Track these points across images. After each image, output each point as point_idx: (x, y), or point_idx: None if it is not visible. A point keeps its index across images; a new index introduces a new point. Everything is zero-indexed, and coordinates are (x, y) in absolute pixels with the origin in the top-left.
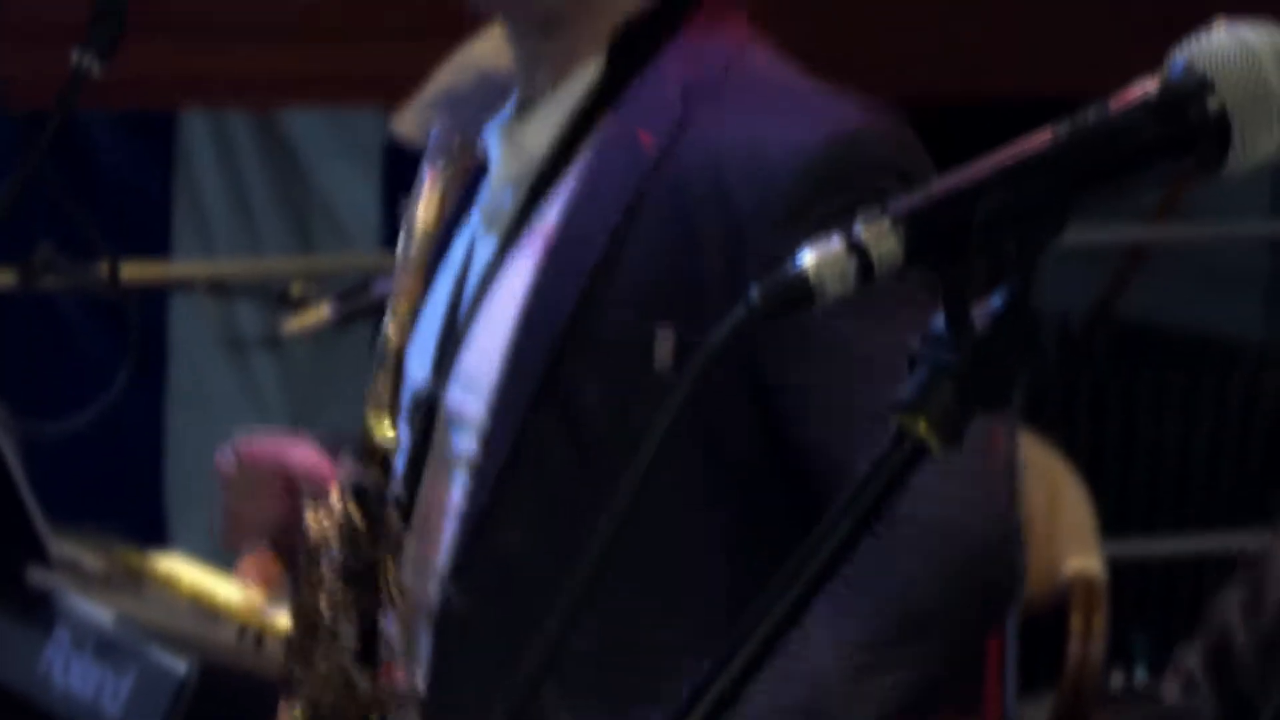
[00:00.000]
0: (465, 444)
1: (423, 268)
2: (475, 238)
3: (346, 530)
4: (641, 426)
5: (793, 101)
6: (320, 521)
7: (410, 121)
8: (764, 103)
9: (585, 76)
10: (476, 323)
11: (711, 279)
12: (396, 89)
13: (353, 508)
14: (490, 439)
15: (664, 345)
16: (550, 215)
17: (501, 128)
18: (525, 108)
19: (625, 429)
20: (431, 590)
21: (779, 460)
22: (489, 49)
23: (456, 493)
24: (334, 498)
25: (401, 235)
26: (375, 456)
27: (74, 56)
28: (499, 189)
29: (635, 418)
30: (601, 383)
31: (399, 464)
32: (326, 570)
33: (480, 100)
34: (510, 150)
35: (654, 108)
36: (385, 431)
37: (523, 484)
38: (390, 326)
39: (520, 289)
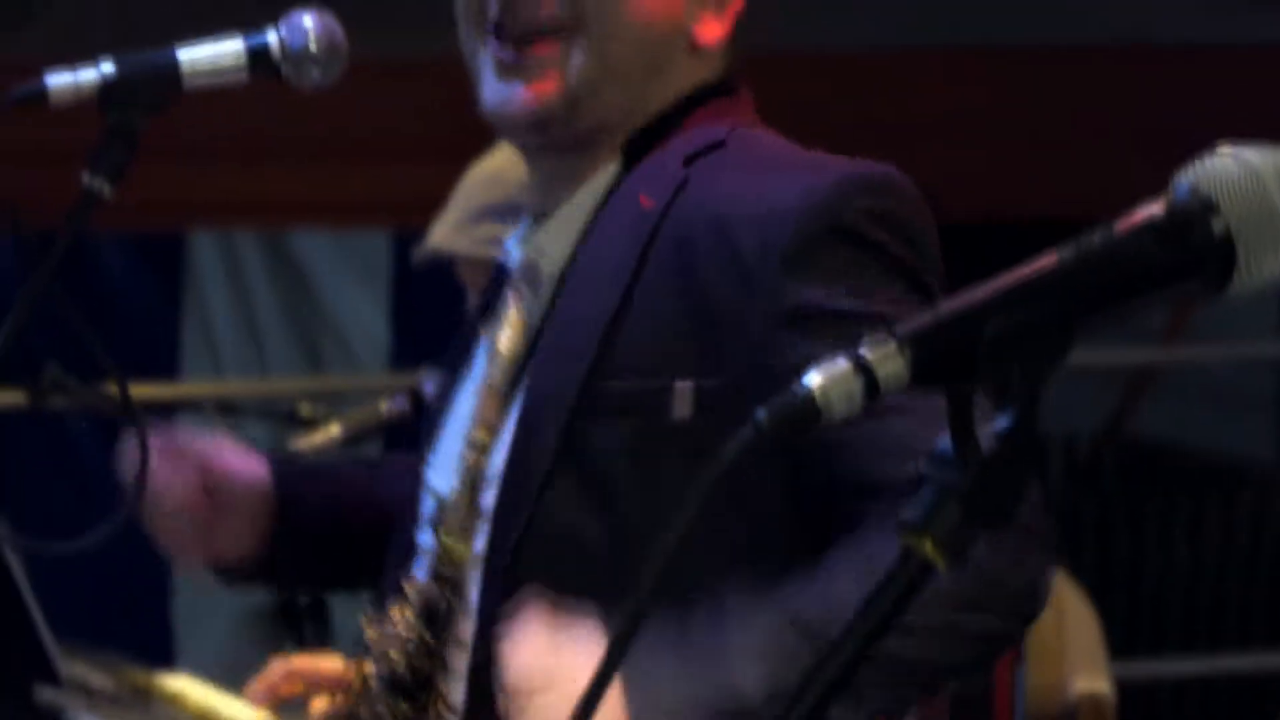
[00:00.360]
0: (482, 544)
1: (505, 393)
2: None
3: (411, 645)
4: (663, 478)
5: (797, 160)
6: (383, 632)
7: (449, 237)
8: (766, 163)
9: (602, 180)
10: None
11: (723, 323)
12: (404, 211)
13: (421, 626)
14: (506, 499)
15: (682, 397)
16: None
17: (521, 238)
18: (543, 215)
19: (647, 482)
20: (457, 690)
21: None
22: (513, 161)
23: (474, 593)
24: (401, 612)
25: (483, 358)
26: (447, 578)
27: (84, 178)
28: (525, 293)
29: (657, 469)
30: (621, 439)
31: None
32: (375, 681)
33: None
34: (534, 254)
35: (656, 176)
36: (464, 554)
37: (543, 545)
38: (469, 453)
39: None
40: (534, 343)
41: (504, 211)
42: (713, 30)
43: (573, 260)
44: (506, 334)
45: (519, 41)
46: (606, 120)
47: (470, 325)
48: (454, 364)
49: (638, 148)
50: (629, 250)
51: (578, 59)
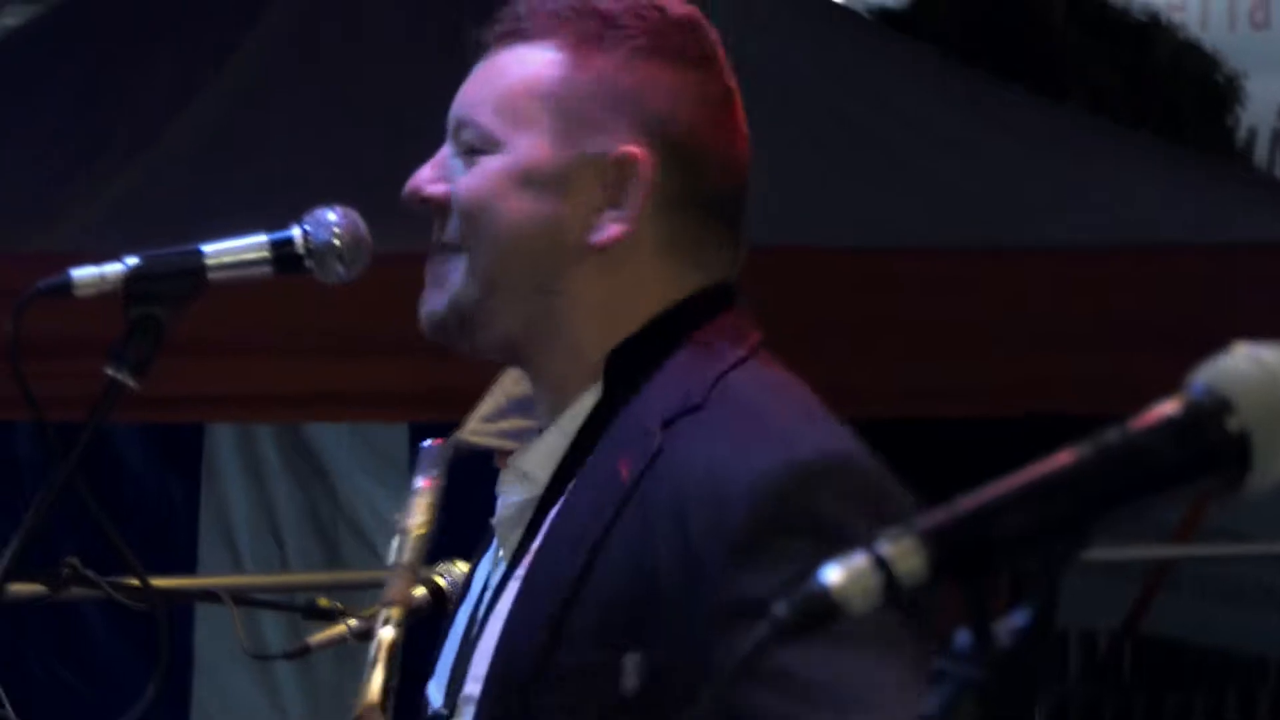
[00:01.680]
0: None
1: (414, 569)
2: (490, 563)
3: None
4: None
5: (760, 427)
6: None
7: (472, 430)
8: (733, 428)
9: (584, 405)
10: (476, 648)
11: (669, 602)
12: (421, 404)
13: None
14: None
15: (631, 669)
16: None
17: (512, 457)
18: (536, 433)
19: None
20: None
21: None
22: None
23: None
24: None
25: (396, 539)
26: None
27: (108, 370)
28: (510, 515)
29: None
30: (571, 710)
31: None
32: None
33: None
34: (516, 478)
35: (635, 437)
36: None
37: None
38: (382, 631)
39: (499, 617)
40: (508, 575)
41: (529, 406)
42: (611, 231)
43: (548, 500)
44: (413, 514)
45: (429, 260)
46: (514, 332)
47: (488, 535)
48: (470, 576)
49: (622, 374)
50: (598, 519)
51: (459, 275)
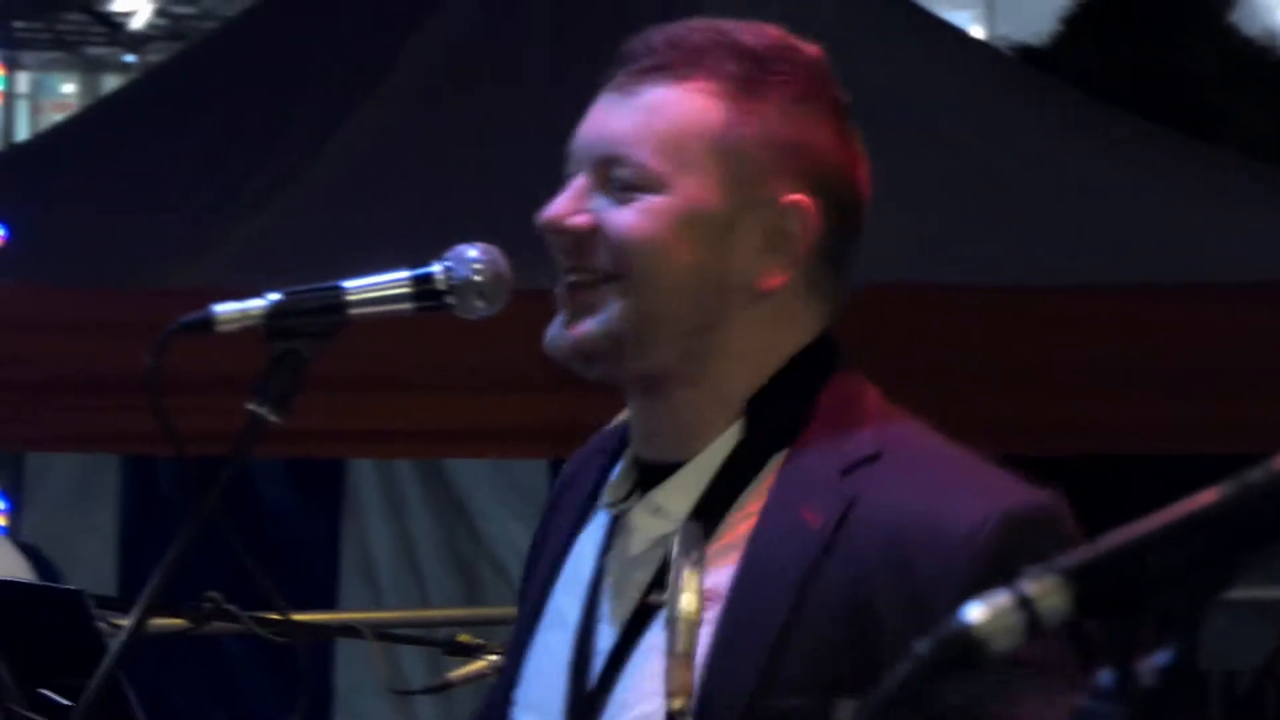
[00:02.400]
0: None
1: (691, 656)
2: (599, 597)
3: None
4: None
5: (959, 476)
6: None
7: None
8: (929, 476)
9: (724, 444)
10: (616, 691)
11: (892, 647)
12: (561, 440)
13: None
14: None
15: (845, 715)
16: (705, 584)
17: (624, 489)
18: (649, 469)
19: None
20: None
21: None
22: None
23: None
24: None
25: (667, 626)
26: None
27: (251, 405)
28: (640, 550)
29: None
30: None
31: None
32: None
33: None
34: (647, 514)
35: (814, 485)
36: None
37: None
38: None
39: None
40: (642, 615)
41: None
42: (777, 278)
43: (704, 528)
44: (684, 599)
45: (573, 287)
46: (663, 368)
47: (547, 558)
48: (536, 602)
49: (760, 414)
50: (796, 566)
51: (617, 307)
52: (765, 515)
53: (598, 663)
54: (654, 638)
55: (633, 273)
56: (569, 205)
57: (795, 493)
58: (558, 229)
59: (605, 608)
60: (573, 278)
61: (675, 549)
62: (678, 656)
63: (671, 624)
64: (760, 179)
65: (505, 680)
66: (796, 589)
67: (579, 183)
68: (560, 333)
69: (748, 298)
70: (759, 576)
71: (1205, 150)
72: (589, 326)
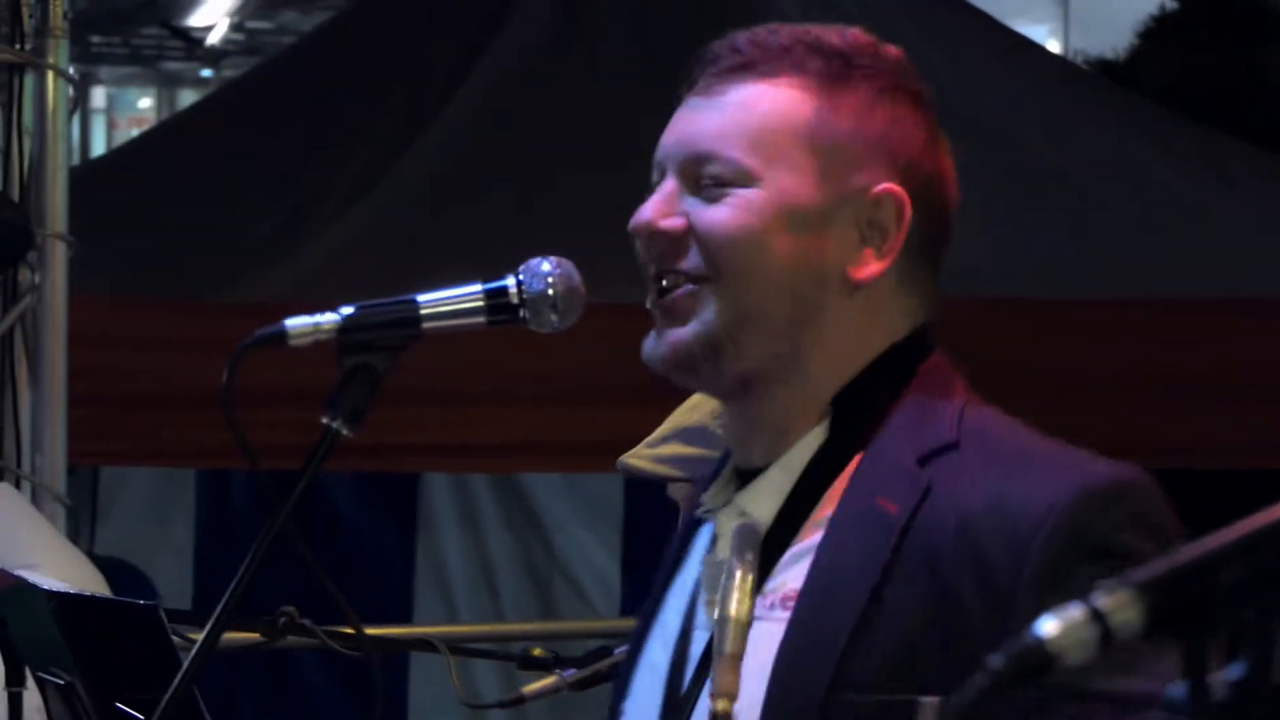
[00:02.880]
0: None
1: (739, 658)
2: (696, 604)
3: None
4: None
5: (1035, 458)
6: None
7: (635, 453)
8: (1006, 461)
9: (809, 444)
10: (703, 696)
11: (974, 636)
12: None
13: None
14: None
15: (929, 712)
16: (787, 586)
17: (722, 496)
18: (745, 475)
19: None
20: None
21: None
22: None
23: None
24: None
25: (715, 627)
26: None
27: (324, 419)
28: (720, 557)
29: None
30: None
31: None
32: None
33: (717, 435)
34: (734, 516)
35: (891, 476)
36: None
37: None
38: None
39: (757, 660)
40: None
41: (693, 435)
42: (871, 268)
43: (775, 538)
44: (735, 599)
45: (665, 292)
46: (759, 367)
47: (663, 574)
48: (648, 615)
49: (845, 412)
50: (873, 556)
51: (712, 307)
52: (840, 509)
53: (689, 670)
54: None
55: (727, 270)
56: (660, 208)
57: (872, 484)
58: (650, 232)
59: (700, 615)
60: (664, 282)
61: (730, 549)
62: (725, 658)
63: (720, 625)
64: (853, 170)
65: (615, 693)
66: (874, 581)
67: (668, 186)
68: (655, 344)
69: (843, 290)
70: (833, 571)
71: None
72: (684, 333)
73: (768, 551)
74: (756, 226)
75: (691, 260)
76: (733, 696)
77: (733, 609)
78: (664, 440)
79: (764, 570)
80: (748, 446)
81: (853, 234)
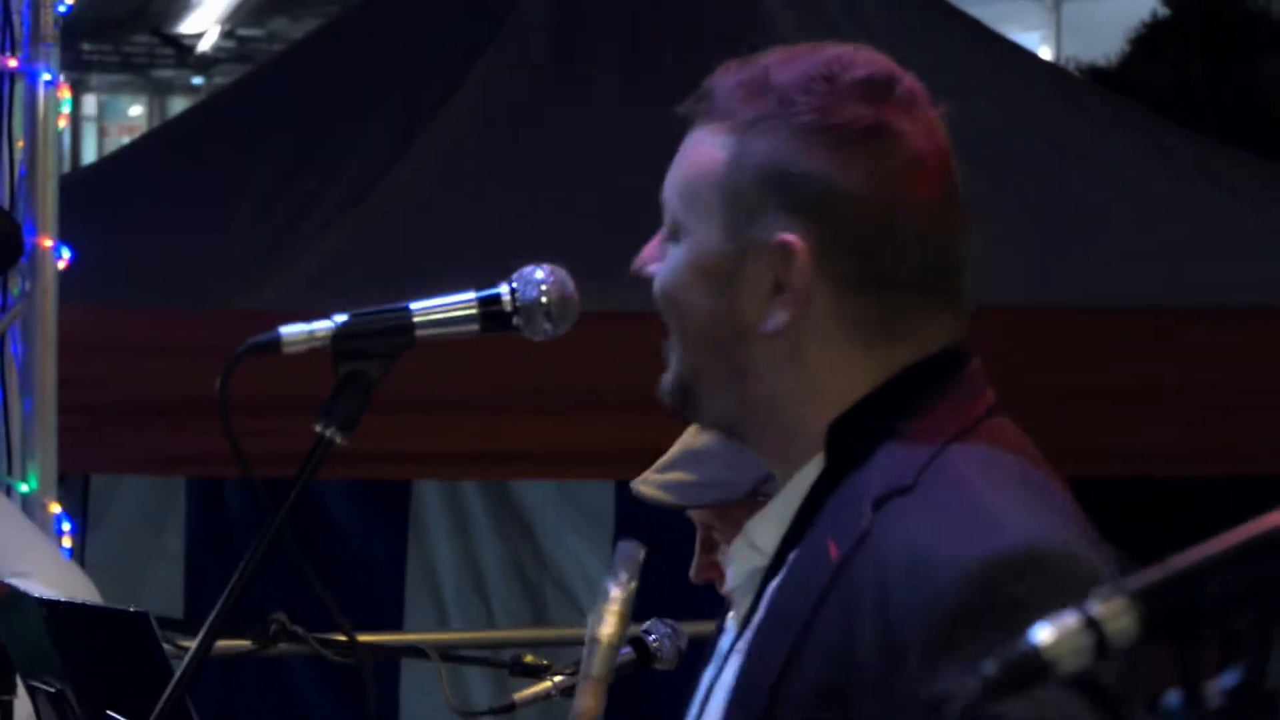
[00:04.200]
0: None
1: (604, 681)
2: (727, 628)
3: None
4: None
5: (968, 512)
6: None
7: (643, 477)
8: (941, 510)
9: (808, 474)
10: (707, 712)
11: (868, 687)
12: (627, 463)
13: None
14: None
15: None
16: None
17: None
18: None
19: None
20: None
21: None
22: None
23: None
24: None
25: (585, 647)
26: None
27: (317, 427)
28: (740, 583)
29: None
30: None
31: None
32: None
33: (724, 458)
34: (746, 546)
35: (844, 517)
36: None
37: None
38: None
39: (727, 691)
40: (734, 644)
41: (699, 458)
42: (777, 319)
43: (772, 570)
44: (606, 621)
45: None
46: (729, 412)
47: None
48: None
49: (839, 445)
50: (806, 599)
51: (674, 359)
52: (805, 545)
53: (709, 691)
54: (725, 673)
55: (669, 325)
56: (649, 254)
57: (829, 523)
58: (639, 276)
59: (723, 642)
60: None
61: (610, 569)
62: (589, 680)
63: (590, 645)
64: (757, 218)
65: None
66: (804, 623)
67: (658, 236)
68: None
69: (761, 341)
70: (779, 607)
71: (1276, 170)
72: (664, 380)
73: (768, 580)
74: (675, 283)
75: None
76: (592, 718)
77: (603, 630)
78: (669, 467)
79: (756, 605)
80: (774, 477)
81: (763, 285)
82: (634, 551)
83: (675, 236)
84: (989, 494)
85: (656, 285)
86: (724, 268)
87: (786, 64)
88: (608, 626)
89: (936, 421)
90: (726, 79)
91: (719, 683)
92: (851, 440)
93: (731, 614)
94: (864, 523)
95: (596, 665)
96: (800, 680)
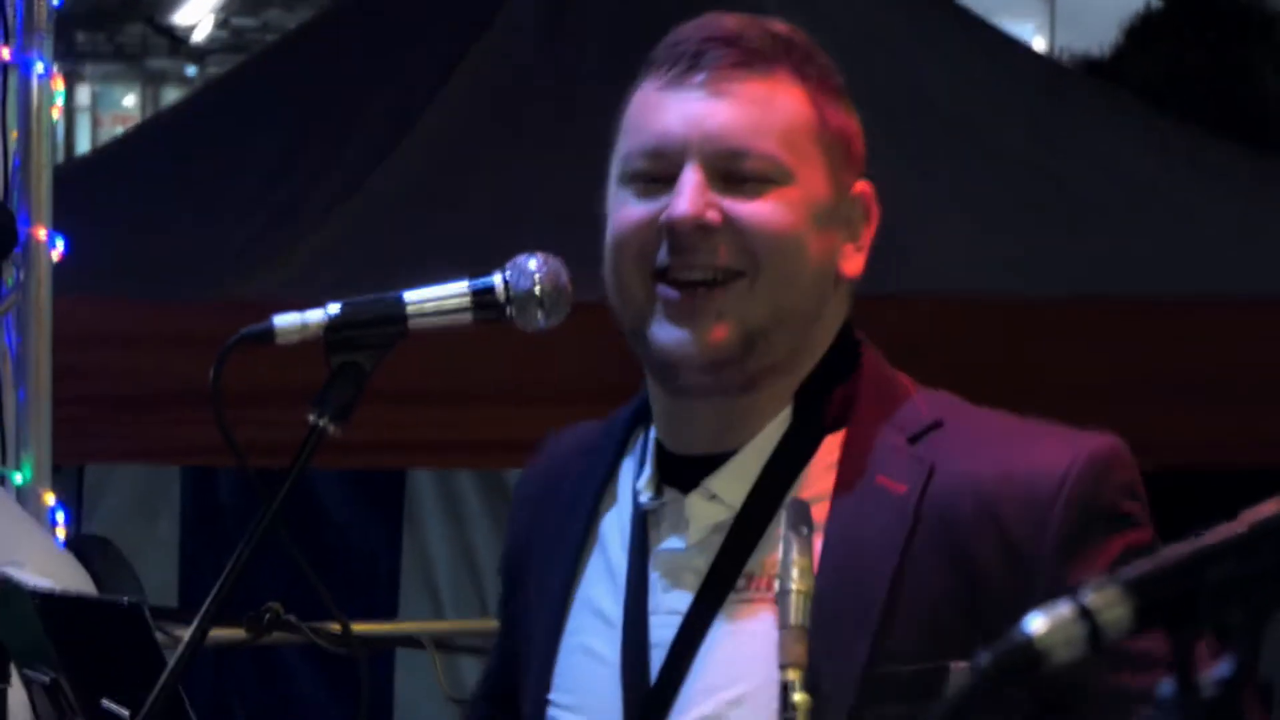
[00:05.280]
0: None
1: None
2: (643, 592)
3: None
4: None
5: (1027, 431)
6: None
7: None
8: (999, 435)
9: (774, 429)
10: (691, 680)
11: (999, 604)
12: None
13: None
14: None
15: (960, 678)
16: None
17: (653, 485)
18: (690, 461)
19: None
20: None
21: None
22: None
23: None
24: None
25: (780, 600)
26: None
27: (310, 417)
28: (698, 539)
29: None
30: None
31: None
32: None
33: None
34: (703, 501)
35: (886, 456)
36: None
37: None
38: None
39: (760, 646)
40: (709, 602)
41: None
42: (855, 263)
43: (745, 522)
44: (796, 573)
45: (691, 286)
46: (776, 362)
47: (561, 563)
48: (555, 602)
49: (806, 397)
50: (889, 534)
51: (751, 305)
52: (840, 491)
53: (656, 656)
54: (732, 621)
55: (769, 266)
56: (700, 201)
57: (867, 464)
58: (692, 223)
59: (656, 600)
60: (695, 275)
61: (783, 525)
62: (792, 629)
63: (784, 597)
64: (846, 170)
65: (534, 681)
66: (895, 558)
67: (696, 178)
68: (688, 339)
69: (837, 285)
70: (851, 549)
71: (1269, 162)
72: (725, 331)
73: (740, 534)
74: (799, 225)
75: (726, 255)
76: (802, 666)
77: (794, 583)
78: None
79: (741, 552)
80: (691, 436)
81: (844, 230)
82: (804, 507)
83: (777, 180)
84: (1018, 419)
85: (767, 223)
86: (834, 213)
87: (787, 27)
88: (802, 577)
89: (880, 367)
90: (759, 36)
91: (714, 643)
92: (814, 393)
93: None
94: (923, 458)
95: (795, 614)
96: (905, 615)
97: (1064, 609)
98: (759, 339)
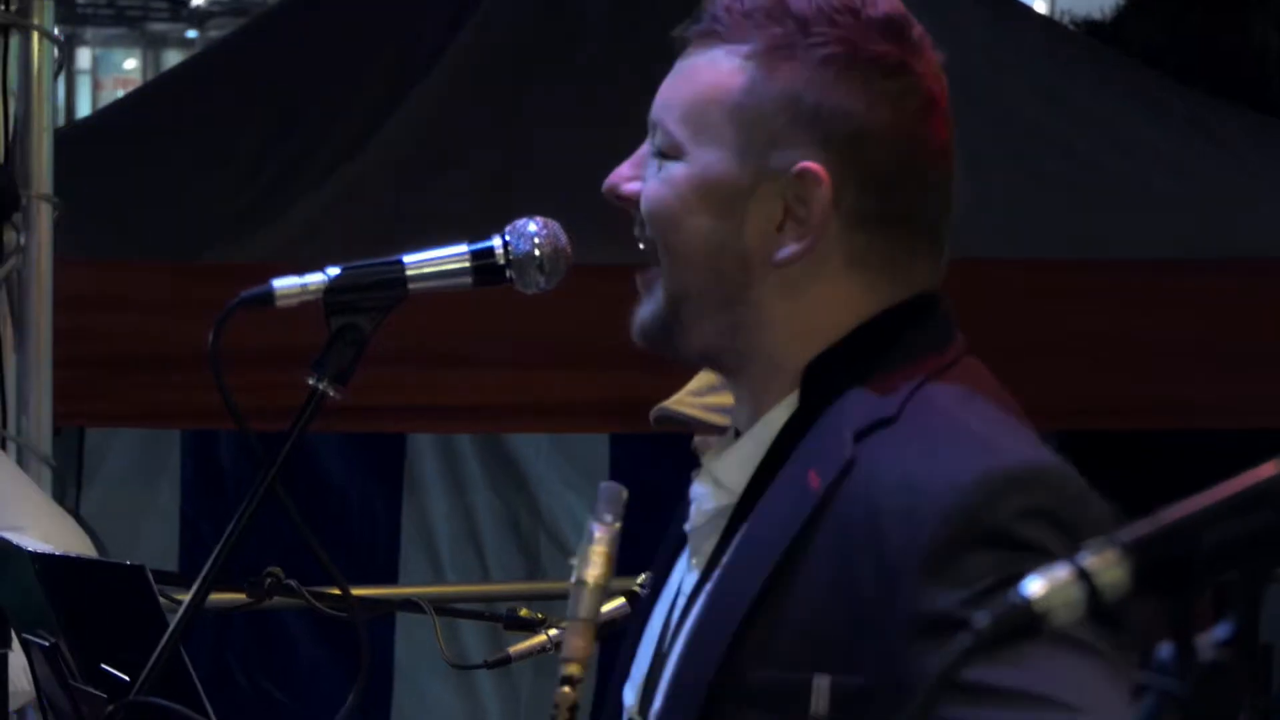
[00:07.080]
0: None
1: (593, 623)
2: (685, 568)
3: None
4: None
5: (953, 439)
6: None
7: (680, 401)
8: (931, 438)
9: (780, 414)
10: (672, 655)
11: (867, 620)
12: (621, 416)
13: None
14: None
15: (820, 693)
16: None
17: (706, 461)
18: (729, 443)
19: None
20: None
21: None
22: None
23: None
24: None
25: (572, 590)
26: None
27: (310, 380)
28: (703, 522)
29: None
30: None
31: None
32: None
33: None
34: (709, 483)
35: (826, 448)
36: None
37: None
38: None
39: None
40: (703, 582)
41: None
42: (790, 249)
43: (743, 509)
44: (592, 563)
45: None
46: (712, 344)
47: (675, 533)
48: (659, 575)
49: (814, 385)
50: (786, 530)
51: (659, 285)
52: (779, 480)
53: (668, 634)
54: (690, 616)
55: (660, 246)
56: (625, 171)
57: (809, 456)
58: (611, 194)
59: (674, 581)
60: (640, 247)
61: (592, 509)
62: (579, 621)
63: (576, 587)
64: (777, 146)
65: (624, 657)
66: (781, 557)
67: (643, 149)
68: (633, 313)
69: (768, 272)
70: (754, 539)
71: (1272, 125)
72: (643, 312)
73: (735, 520)
74: (675, 204)
75: (642, 232)
76: (583, 661)
77: (590, 572)
78: (712, 390)
79: (725, 543)
80: (737, 415)
81: (774, 214)
82: (617, 492)
83: (671, 155)
84: (973, 421)
85: (646, 201)
86: (734, 191)
87: None
88: (595, 568)
89: (913, 361)
90: (739, 2)
91: (684, 626)
92: (827, 379)
93: (691, 557)
94: (847, 452)
95: (584, 607)
96: (783, 617)
97: (1062, 571)
98: (671, 321)
